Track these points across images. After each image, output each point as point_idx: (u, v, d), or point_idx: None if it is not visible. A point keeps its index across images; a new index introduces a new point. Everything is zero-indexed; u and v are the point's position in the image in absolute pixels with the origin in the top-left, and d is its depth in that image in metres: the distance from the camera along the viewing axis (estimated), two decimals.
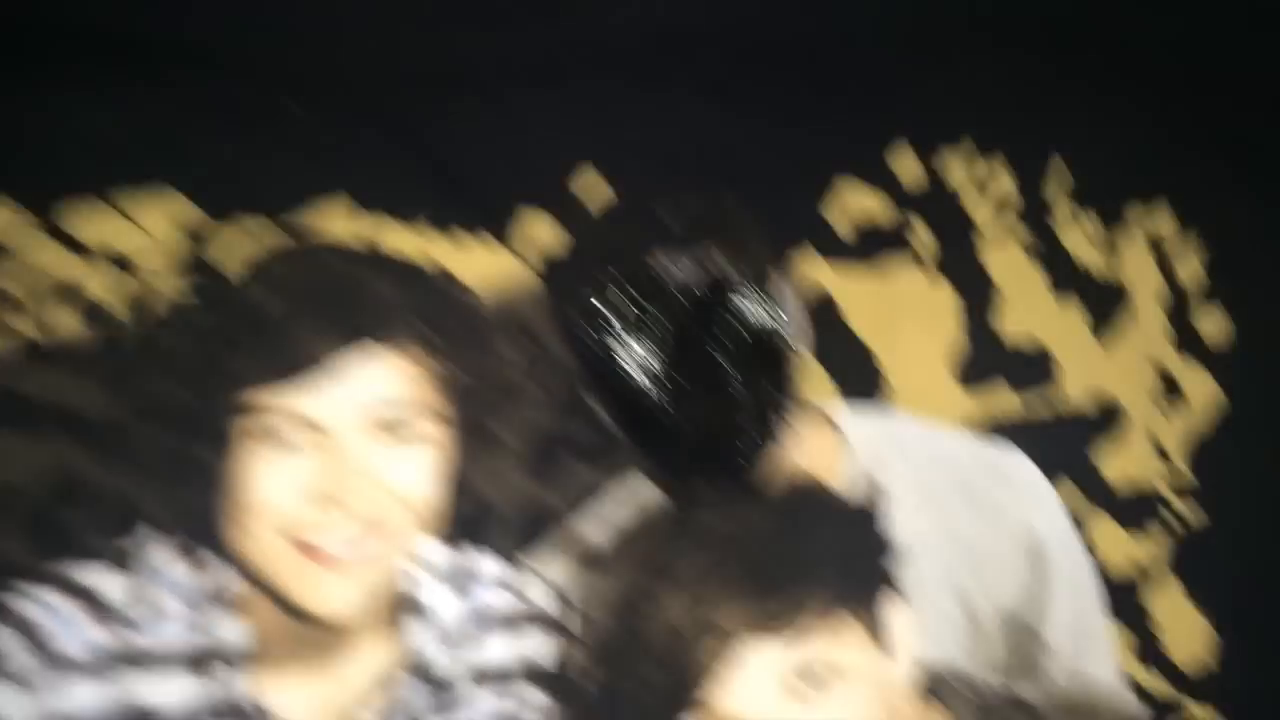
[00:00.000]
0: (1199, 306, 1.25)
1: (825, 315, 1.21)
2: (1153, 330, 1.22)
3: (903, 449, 1.21)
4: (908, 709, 1.09)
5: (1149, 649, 1.15)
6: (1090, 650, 1.20)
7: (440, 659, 1.11)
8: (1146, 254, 1.24)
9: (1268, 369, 1.21)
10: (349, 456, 1.03)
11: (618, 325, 1.12)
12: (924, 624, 1.14)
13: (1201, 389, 1.21)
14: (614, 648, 1.08)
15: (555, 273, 1.18)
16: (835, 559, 1.09)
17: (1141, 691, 1.16)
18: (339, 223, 1.21)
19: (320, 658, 1.08)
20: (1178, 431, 1.20)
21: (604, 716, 1.08)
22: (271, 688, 1.07)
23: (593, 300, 1.12)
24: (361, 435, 1.04)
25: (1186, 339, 1.23)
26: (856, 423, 1.22)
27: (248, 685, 1.06)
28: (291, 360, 1.02)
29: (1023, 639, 1.19)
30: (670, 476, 1.16)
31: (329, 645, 1.08)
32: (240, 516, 1.03)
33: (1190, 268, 1.25)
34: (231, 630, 1.05)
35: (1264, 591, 1.15)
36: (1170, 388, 1.21)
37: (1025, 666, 1.19)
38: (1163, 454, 1.19)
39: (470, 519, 1.12)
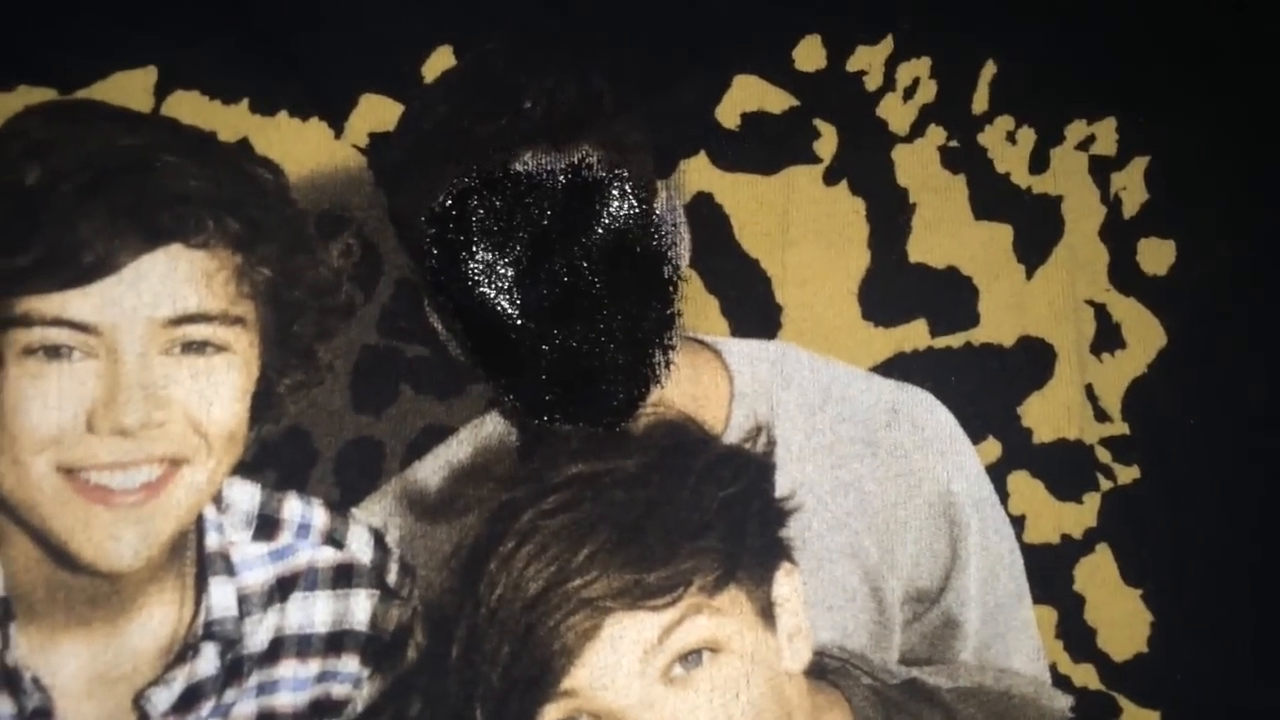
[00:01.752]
0: (1142, 237, 1.12)
1: (715, 233, 1.06)
2: (1090, 262, 1.09)
3: (799, 391, 1.07)
4: (797, 695, 0.97)
5: (1076, 631, 1.04)
6: (1008, 633, 1.08)
7: (242, 621, 0.96)
8: (1086, 176, 1.12)
9: (1210, 305, 1.10)
10: (137, 375, 0.90)
11: (472, 235, 0.96)
12: (820, 598, 1.03)
13: (1141, 329, 1.08)
14: (455, 617, 0.94)
15: (399, 169, 1.02)
16: (721, 521, 0.96)
17: (1066, 681, 1.05)
18: (141, 99, 1.04)
19: (95, 616, 0.94)
20: (1113, 377, 1.08)
21: (439, 697, 0.93)
22: (32, 649, 0.93)
23: (445, 206, 0.97)
24: (153, 350, 0.91)
25: (1126, 273, 1.10)
26: (746, 358, 1.08)
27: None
28: (76, 262, 0.90)
29: (931, 619, 1.07)
30: (527, 413, 1.01)
31: (106, 601, 0.94)
32: (7, 445, 0.90)
33: (1135, 195, 1.12)
34: None
35: (1202, 562, 1.04)
36: (1107, 327, 1.08)
37: (933, 650, 1.07)
38: (1096, 405, 1.06)
39: (282, 454, 0.96)
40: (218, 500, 0.96)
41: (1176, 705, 1.07)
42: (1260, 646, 1.09)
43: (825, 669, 1.00)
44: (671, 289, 1.04)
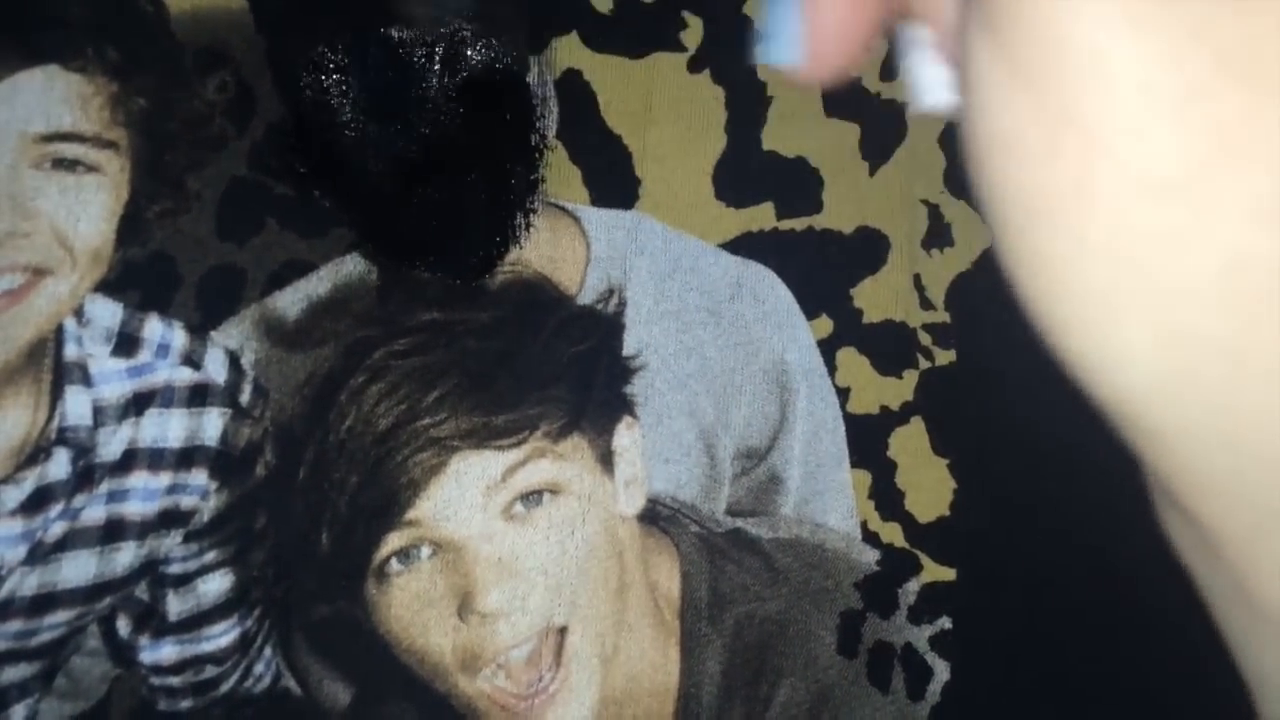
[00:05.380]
0: None
1: (582, 108, 1.09)
2: (928, 166, 1.15)
3: (651, 259, 1.08)
4: (629, 537, 0.99)
5: (886, 494, 1.09)
6: (826, 492, 1.12)
7: (96, 431, 0.95)
8: None
9: None
10: (6, 185, 0.89)
11: (344, 86, 0.97)
12: (658, 451, 1.05)
13: (970, 230, 1.14)
14: (304, 441, 0.95)
15: (280, 24, 1.01)
16: (570, 374, 0.98)
17: (875, 538, 1.10)
18: None
19: None
20: (940, 271, 1.13)
21: (285, 514, 0.95)
22: None
23: (321, 55, 0.97)
24: (24, 163, 0.89)
25: (960, 178, 1.16)
26: (603, 226, 1.09)
27: None
28: None
29: (758, 475, 1.10)
30: (387, 260, 1.00)
31: None
32: None
33: None
34: None
35: (1003, 439, 1.10)
36: (938, 225, 1.13)
37: (757, 503, 1.10)
38: (923, 293, 1.12)
39: (146, 277, 0.95)
40: (79, 314, 0.93)
41: (970, 563, 1.12)
42: (1045, 515, 1.18)
43: (658, 516, 1.03)
44: (537, 156, 1.06)
